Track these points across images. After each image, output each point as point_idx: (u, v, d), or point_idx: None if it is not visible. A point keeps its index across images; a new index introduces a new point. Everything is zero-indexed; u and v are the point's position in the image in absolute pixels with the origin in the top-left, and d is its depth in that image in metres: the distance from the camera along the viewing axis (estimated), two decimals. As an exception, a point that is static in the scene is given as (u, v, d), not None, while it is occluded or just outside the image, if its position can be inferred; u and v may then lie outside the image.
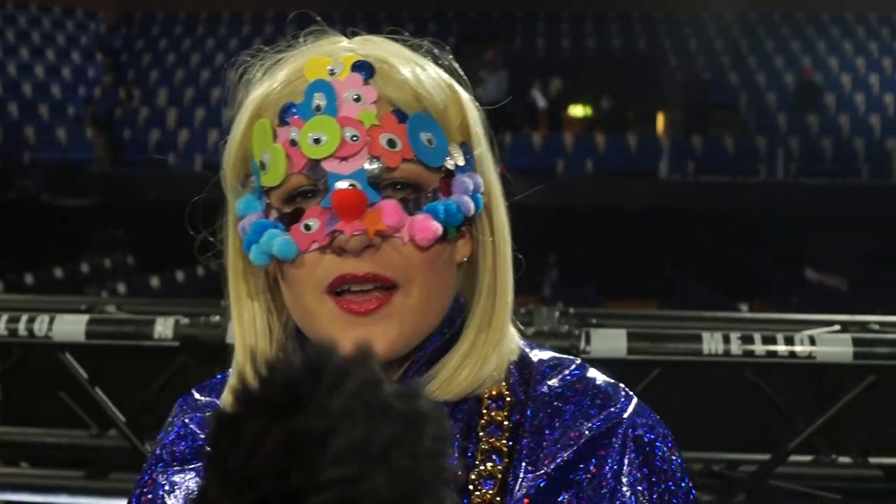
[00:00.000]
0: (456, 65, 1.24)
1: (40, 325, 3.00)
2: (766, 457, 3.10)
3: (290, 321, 1.24)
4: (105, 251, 14.49)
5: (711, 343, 2.85)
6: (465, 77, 1.24)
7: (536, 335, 2.86)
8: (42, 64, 20.94)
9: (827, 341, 2.89)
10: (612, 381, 1.25)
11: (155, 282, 11.57)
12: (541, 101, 19.12)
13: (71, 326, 3.02)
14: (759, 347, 2.86)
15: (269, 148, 1.14)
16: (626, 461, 1.17)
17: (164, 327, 2.99)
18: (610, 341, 2.87)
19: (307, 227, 1.12)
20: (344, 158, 1.11)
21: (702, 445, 3.41)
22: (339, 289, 1.13)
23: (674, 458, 1.20)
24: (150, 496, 1.24)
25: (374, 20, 21.68)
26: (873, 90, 19.57)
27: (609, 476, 1.16)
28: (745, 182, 16.78)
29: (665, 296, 13.92)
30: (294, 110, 1.14)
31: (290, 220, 1.14)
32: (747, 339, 2.86)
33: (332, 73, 1.14)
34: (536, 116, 19.12)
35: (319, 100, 1.13)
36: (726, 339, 2.86)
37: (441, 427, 0.79)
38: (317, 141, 1.11)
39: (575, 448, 1.18)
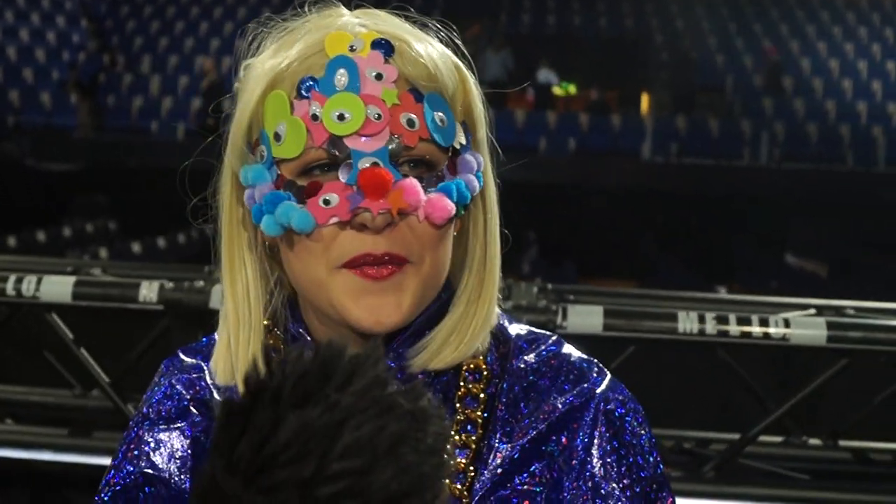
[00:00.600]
0: (459, 43, 1.26)
1: (28, 285, 3.03)
2: (737, 436, 3.16)
3: (283, 290, 1.26)
4: (87, 216, 14.42)
5: (687, 322, 2.90)
6: (469, 57, 1.26)
7: (514, 309, 2.89)
8: (27, 28, 20.78)
9: (801, 324, 2.94)
10: (587, 357, 1.29)
11: (136, 247, 11.54)
12: (552, 79, 19.08)
13: (58, 287, 3.05)
14: (733, 328, 2.91)
15: (286, 120, 1.14)
16: (596, 434, 1.20)
17: (148, 291, 3.02)
18: (586, 317, 2.91)
19: (326, 202, 1.13)
20: (367, 136, 1.12)
21: (674, 423, 3.45)
22: (354, 265, 1.14)
23: (643, 433, 1.23)
24: (135, 452, 1.26)
25: (362, -8, 21.54)
26: (861, 76, 19.51)
27: (580, 448, 1.20)
28: (729, 165, 16.73)
29: (644, 276, 13.93)
30: (314, 84, 1.14)
31: (306, 193, 1.14)
32: (722, 320, 2.91)
33: (352, 48, 1.15)
34: (549, 95, 19.07)
35: (342, 76, 1.14)
36: (701, 319, 2.90)
37: (442, 425, 0.83)
38: (341, 117, 1.12)
39: (548, 421, 1.21)
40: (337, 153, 1.13)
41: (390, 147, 1.13)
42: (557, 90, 19.72)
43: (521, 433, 1.21)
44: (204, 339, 1.34)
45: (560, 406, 1.22)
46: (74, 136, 17.52)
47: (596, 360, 1.28)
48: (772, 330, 2.89)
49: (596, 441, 1.20)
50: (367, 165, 1.12)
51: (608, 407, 1.22)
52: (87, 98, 18.52)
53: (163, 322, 3.10)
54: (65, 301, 3.04)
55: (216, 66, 17.42)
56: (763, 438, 3.22)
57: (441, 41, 1.24)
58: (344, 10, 1.23)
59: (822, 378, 3.00)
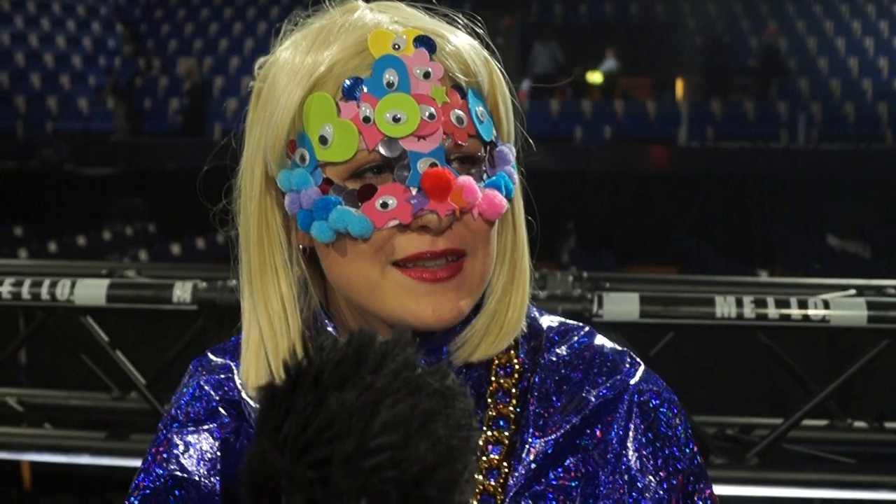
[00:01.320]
0: (484, 35, 1.24)
1: (62, 289, 3.05)
2: (781, 421, 3.12)
3: (314, 296, 1.23)
4: (126, 219, 14.58)
5: (724, 307, 2.87)
6: (493, 47, 1.24)
7: (549, 299, 2.88)
8: (63, 35, 20.98)
9: (841, 305, 2.90)
10: (620, 347, 1.26)
11: (175, 249, 11.62)
12: (615, 67, 19.04)
13: (92, 290, 3.06)
14: (772, 311, 2.87)
15: (332, 122, 1.13)
16: (631, 427, 1.19)
17: (182, 291, 3.02)
18: (622, 305, 2.89)
19: (384, 205, 1.11)
20: (423, 137, 1.12)
21: (716, 409, 3.43)
22: (409, 263, 1.14)
23: (678, 423, 1.21)
24: (165, 455, 1.25)
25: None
26: (897, 53, 19.37)
27: (615, 441, 1.18)
28: (766, 147, 16.62)
29: (683, 263, 13.88)
30: (362, 85, 1.12)
31: (360, 196, 1.13)
32: (760, 303, 2.88)
33: (396, 47, 1.14)
34: (613, 82, 19.04)
35: (391, 76, 1.12)
36: (739, 303, 2.87)
37: (467, 401, 0.88)
38: (396, 119, 1.11)
39: (582, 414, 1.20)
40: (392, 155, 1.12)
41: (445, 146, 1.13)
42: (592, 78, 19.66)
43: (555, 427, 1.20)
44: (233, 339, 1.33)
45: (593, 399, 1.20)
46: (112, 140, 17.67)
47: (629, 350, 1.26)
48: (811, 312, 2.85)
49: (631, 434, 1.18)
50: (426, 167, 1.11)
51: (642, 398, 1.20)
52: (124, 102, 18.68)
53: (198, 322, 3.11)
54: (99, 304, 3.06)
55: (198, 68, 17.62)
56: (807, 423, 3.19)
57: (468, 33, 1.23)
58: (362, 4, 1.21)
59: (864, 359, 2.96)
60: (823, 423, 3.33)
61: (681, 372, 3.34)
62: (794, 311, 2.87)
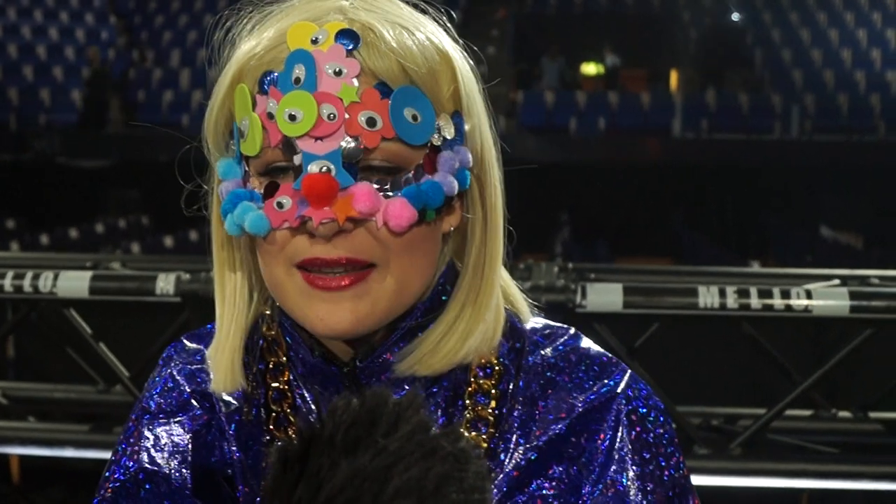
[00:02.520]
0: (450, 30, 1.18)
1: (45, 281, 3.05)
2: (764, 411, 3.12)
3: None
4: (119, 211, 14.58)
5: (707, 297, 2.87)
6: (459, 41, 1.18)
7: (533, 289, 2.87)
8: (56, 26, 20.96)
9: (823, 295, 2.91)
10: (606, 352, 1.23)
11: (169, 241, 11.62)
12: (617, 62, 19.08)
13: (75, 283, 3.06)
14: (755, 301, 2.88)
15: (248, 116, 1.10)
16: (618, 436, 1.16)
17: (165, 283, 3.02)
18: (606, 295, 2.89)
19: (279, 205, 1.08)
20: (320, 138, 1.06)
21: (701, 399, 3.43)
22: (309, 267, 1.10)
23: (665, 433, 1.18)
24: (135, 447, 1.23)
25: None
26: (890, 45, 19.39)
27: (601, 450, 1.16)
28: (760, 139, 16.65)
29: (678, 254, 13.91)
30: (273, 80, 1.09)
31: (264, 194, 1.10)
32: (743, 293, 2.88)
33: (315, 41, 1.08)
34: (617, 76, 19.15)
35: (299, 71, 1.07)
36: (722, 293, 2.87)
37: (481, 464, 0.88)
38: (292, 117, 1.06)
39: (568, 421, 1.17)
40: (290, 155, 1.08)
41: (345, 149, 1.06)
42: (587, 69, 19.68)
43: (539, 432, 1.17)
44: (209, 325, 1.30)
45: (580, 405, 1.17)
46: (105, 132, 17.66)
47: (614, 357, 1.22)
48: (793, 302, 2.86)
49: (618, 443, 1.15)
50: (317, 170, 1.06)
51: (630, 406, 1.17)
52: (118, 94, 18.67)
53: (182, 315, 3.11)
54: (82, 296, 3.05)
55: (99, 54, 17.60)
56: (791, 413, 3.20)
57: (440, 25, 1.18)
58: None
59: (847, 349, 2.96)
60: (808, 413, 3.34)
61: (665, 362, 3.34)
62: (777, 302, 2.87)
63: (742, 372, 3.72)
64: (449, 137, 1.12)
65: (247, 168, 1.12)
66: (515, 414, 1.18)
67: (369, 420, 0.86)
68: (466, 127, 1.15)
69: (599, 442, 1.16)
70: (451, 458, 0.85)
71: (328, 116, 1.06)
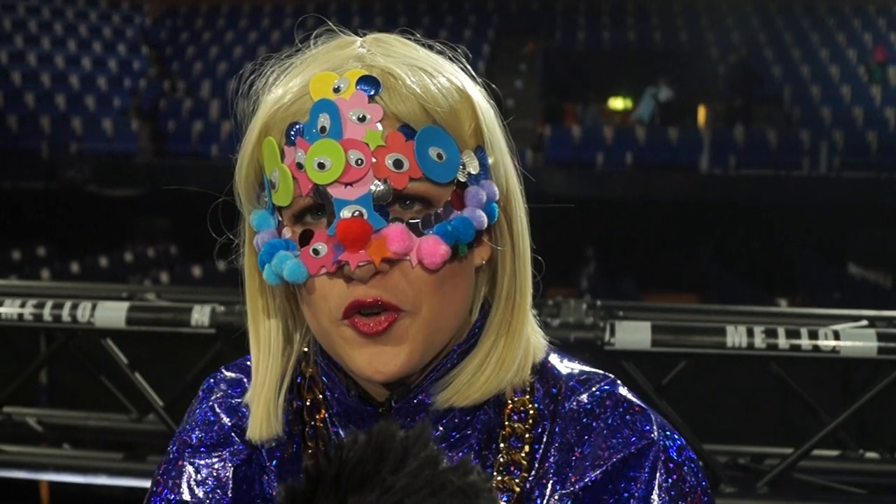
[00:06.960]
0: (467, 68, 1.21)
1: (83, 311, 3.10)
2: (792, 450, 3.12)
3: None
4: (149, 241, 14.68)
5: (735, 336, 2.88)
6: (476, 78, 1.21)
7: (562, 326, 2.89)
8: (89, 57, 21.20)
9: (851, 336, 2.91)
10: (641, 401, 1.24)
11: (197, 271, 11.69)
12: (671, 95, 19.09)
13: (112, 313, 3.10)
14: (782, 341, 2.88)
15: (278, 167, 1.12)
16: (654, 485, 1.16)
17: (200, 315, 3.06)
18: (634, 333, 2.90)
19: (315, 252, 1.10)
20: (349, 183, 1.08)
21: (728, 438, 3.43)
22: (351, 313, 1.11)
23: (698, 483, 1.19)
24: (177, 480, 1.25)
25: (414, 12, 21.71)
26: (919, 83, 19.35)
27: (639, 496, 1.16)
28: (788, 175, 16.59)
29: (704, 290, 13.86)
30: (300, 130, 1.11)
31: (300, 242, 1.12)
32: (771, 333, 2.89)
33: (336, 90, 1.11)
34: (672, 111, 19.13)
35: (324, 121, 1.10)
36: (750, 333, 2.88)
37: (491, 498, 0.87)
38: (321, 166, 1.09)
39: (604, 468, 1.17)
40: (321, 202, 1.10)
41: (375, 192, 1.09)
42: (614, 104, 19.70)
43: (575, 478, 1.17)
44: (248, 357, 1.30)
45: (616, 453, 1.17)
46: (136, 162, 17.80)
47: (648, 406, 1.23)
48: (821, 342, 2.86)
49: (655, 492, 1.16)
50: (349, 215, 1.08)
51: (666, 455, 1.18)
52: (148, 124, 18.83)
53: (216, 345, 3.14)
54: (119, 326, 3.10)
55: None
56: (818, 452, 3.19)
57: (456, 63, 1.20)
58: (352, 39, 1.19)
59: (875, 390, 2.96)
60: (835, 453, 3.33)
61: (693, 400, 3.35)
62: (805, 342, 2.87)
63: (769, 410, 3.71)
64: (474, 172, 1.14)
65: (280, 218, 1.15)
66: (552, 460, 1.19)
67: (376, 457, 0.84)
68: (490, 161, 1.16)
69: (635, 489, 1.16)
70: (461, 494, 0.84)
71: (356, 162, 1.08)
